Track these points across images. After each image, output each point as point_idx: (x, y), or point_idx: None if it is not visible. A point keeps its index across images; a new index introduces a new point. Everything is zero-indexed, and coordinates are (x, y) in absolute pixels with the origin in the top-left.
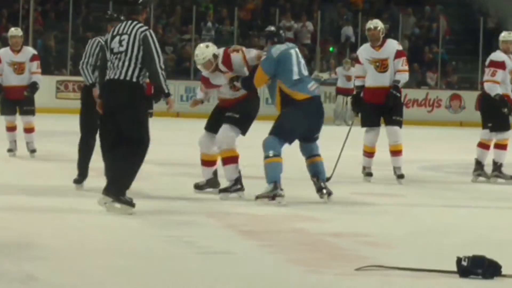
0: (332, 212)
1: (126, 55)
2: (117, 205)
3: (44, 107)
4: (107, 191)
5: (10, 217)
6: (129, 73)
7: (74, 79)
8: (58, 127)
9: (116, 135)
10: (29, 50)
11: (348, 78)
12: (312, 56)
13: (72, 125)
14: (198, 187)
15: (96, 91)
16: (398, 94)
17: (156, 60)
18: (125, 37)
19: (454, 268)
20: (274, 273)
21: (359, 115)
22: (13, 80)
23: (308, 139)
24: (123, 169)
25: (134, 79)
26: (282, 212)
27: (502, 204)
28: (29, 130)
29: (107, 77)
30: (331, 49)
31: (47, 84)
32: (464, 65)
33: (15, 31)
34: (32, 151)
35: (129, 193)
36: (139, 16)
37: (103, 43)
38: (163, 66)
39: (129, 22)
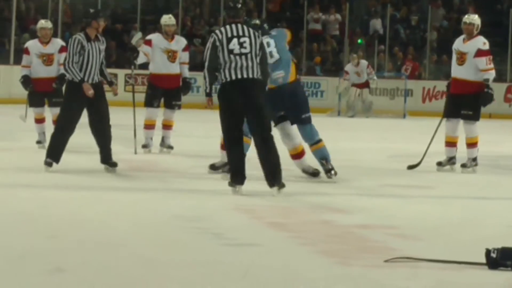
0: (360, 204)
1: (251, 56)
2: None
3: None
4: (277, 181)
5: (38, 210)
6: (257, 72)
7: None
8: (86, 118)
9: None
10: (58, 42)
11: (358, 74)
12: (340, 48)
13: None
14: (214, 168)
15: (87, 86)
16: (490, 91)
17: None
18: (245, 39)
19: (483, 260)
20: (303, 264)
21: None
22: (42, 72)
23: (298, 121)
24: (278, 158)
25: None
26: (309, 204)
27: None
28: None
29: (231, 77)
30: (359, 41)
31: None
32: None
33: (45, 23)
34: None
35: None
36: (241, 18)
37: (83, 41)
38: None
39: (240, 25)
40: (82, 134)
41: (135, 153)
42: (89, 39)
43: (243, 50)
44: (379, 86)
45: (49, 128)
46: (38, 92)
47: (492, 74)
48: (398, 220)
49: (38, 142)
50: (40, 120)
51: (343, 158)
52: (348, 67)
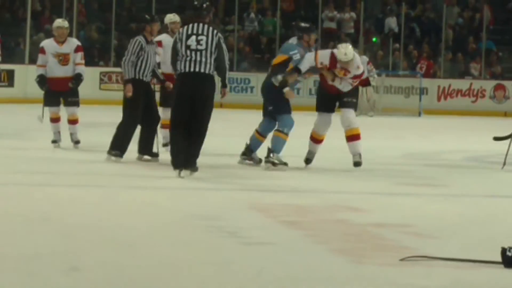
0: (375, 203)
1: (206, 52)
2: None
3: (87, 98)
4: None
5: (53, 209)
6: (210, 67)
7: (118, 70)
8: (101, 119)
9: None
10: (74, 41)
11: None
12: (355, 46)
13: (115, 116)
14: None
15: (129, 87)
16: None
17: (226, 58)
18: (203, 37)
19: (499, 259)
20: (318, 263)
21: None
22: (58, 71)
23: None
24: (199, 147)
25: (212, 73)
26: (324, 203)
27: None
28: (73, 121)
29: (184, 69)
30: (374, 39)
31: (90, 76)
32: (509, 55)
33: (62, 22)
34: (76, 142)
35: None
36: (206, 19)
37: (143, 43)
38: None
39: (201, 24)
40: (98, 133)
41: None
42: (147, 42)
43: (199, 47)
44: (394, 84)
45: (64, 127)
46: (54, 92)
47: None
48: (414, 219)
49: (54, 141)
50: (55, 120)
51: None
52: None
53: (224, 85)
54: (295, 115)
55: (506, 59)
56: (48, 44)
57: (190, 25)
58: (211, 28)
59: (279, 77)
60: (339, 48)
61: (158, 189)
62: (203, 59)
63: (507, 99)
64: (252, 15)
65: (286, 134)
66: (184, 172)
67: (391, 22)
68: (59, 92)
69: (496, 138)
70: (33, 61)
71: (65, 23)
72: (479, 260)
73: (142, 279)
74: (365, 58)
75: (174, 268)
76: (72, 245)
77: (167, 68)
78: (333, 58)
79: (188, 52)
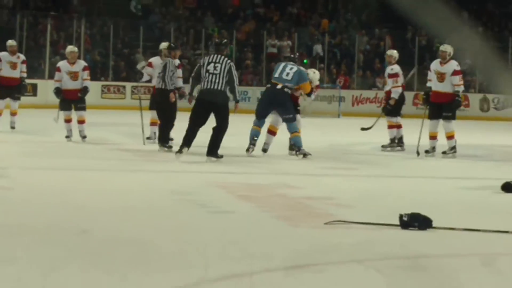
0: (306, 182)
1: (219, 76)
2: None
3: (92, 104)
4: (211, 154)
5: (68, 186)
6: (222, 86)
7: (114, 83)
8: (103, 120)
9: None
10: (82, 62)
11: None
12: None
13: (112, 118)
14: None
15: (172, 95)
16: (461, 100)
17: (235, 80)
18: (218, 65)
19: (397, 222)
20: (265, 226)
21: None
22: (70, 85)
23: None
24: (219, 141)
25: (223, 89)
26: (268, 181)
27: (433, 175)
28: (81, 121)
29: (204, 87)
30: (305, 61)
31: (94, 88)
32: (404, 72)
33: (73, 48)
34: (84, 137)
35: (157, 167)
36: (223, 52)
37: (170, 62)
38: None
39: (218, 55)
40: (100, 131)
41: (144, 144)
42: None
43: (215, 71)
44: (320, 94)
45: (74, 126)
46: (67, 100)
47: (462, 88)
48: (336, 193)
49: (67, 136)
50: (68, 120)
51: None
52: None
53: (236, 101)
54: (249, 118)
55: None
56: (62, 64)
57: (211, 55)
58: (225, 59)
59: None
60: (311, 72)
61: (146, 172)
62: (217, 80)
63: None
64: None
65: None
66: (206, 158)
67: (318, 48)
68: (71, 100)
69: (363, 129)
70: (51, 77)
71: (75, 49)
72: (383, 223)
73: (135, 238)
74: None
75: (158, 230)
76: (82, 213)
77: (155, 82)
78: None
79: (207, 74)
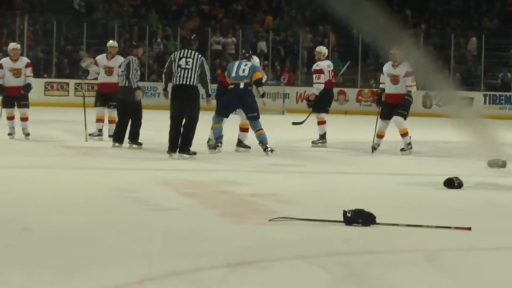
0: (250, 178)
1: (191, 70)
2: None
3: (35, 101)
4: (183, 150)
5: (10, 183)
6: (194, 80)
7: (58, 80)
8: (45, 117)
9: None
10: (24, 59)
11: None
12: None
13: (56, 115)
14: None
15: (138, 93)
16: (411, 100)
17: (207, 74)
18: (190, 60)
19: (341, 218)
20: (209, 223)
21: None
22: (12, 82)
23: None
24: (190, 137)
25: (195, 84)
26: (213, 178)
27: (377, 171)
28: (24, 119)
29: (177, 82)
30: None
31: (37, 85)
32: (348, 70)
33: (15, 45)
34: (27, 134)
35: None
36: (193, 47)
37: (133, 60)
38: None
39: (189, 50)
40: (43, 128)
41: (86, 140)
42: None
43: (187, 66)
44: (265, 91)
45: (17, 123)
46: (9, 97)
47: (415, 88)
48: (279, 189)
49: (9, 134)
50: (11, 118)
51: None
52: None
53: (207, 95)
54: (210, 115)
55: (345, 73)
56: (5, 61)
57: (182, 50)
58: (197, 53)
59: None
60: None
61: (89, 169)
62: (189, 75)
63: (347, 101)
64: (159, 40)
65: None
66: (177, 155)
67: (262, 45)
68: (14, 97)
69: (294, 123)
70: None
71: (18, 46)
72: (327, 219)
73: (78, 234)
74: None
75: (100, 227)
76: (23, 211)
77: (101, 78)
78: None
79: (179, 69)
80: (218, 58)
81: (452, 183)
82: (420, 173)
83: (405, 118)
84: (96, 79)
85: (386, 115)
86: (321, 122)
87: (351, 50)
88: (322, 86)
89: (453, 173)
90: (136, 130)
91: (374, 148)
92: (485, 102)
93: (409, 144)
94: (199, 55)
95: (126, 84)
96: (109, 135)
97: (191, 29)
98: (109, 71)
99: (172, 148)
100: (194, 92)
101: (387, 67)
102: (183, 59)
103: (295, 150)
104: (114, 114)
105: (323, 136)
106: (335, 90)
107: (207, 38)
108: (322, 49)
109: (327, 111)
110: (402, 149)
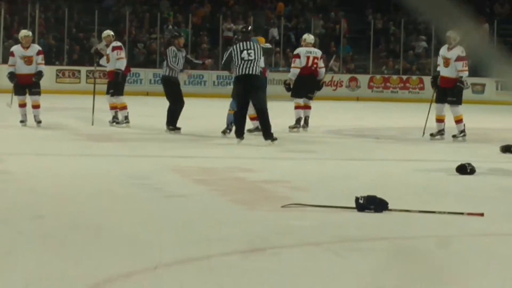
0: (263, 165)
1: (254, 61)
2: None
3: (47, 89)
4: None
5: (23, 171)
6: (256, 70)
7: (69, 68)
8: (57, 104)
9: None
10: (36, 47)
11: None
12: None
13: (67, 102)
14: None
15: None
16: (462, 85)
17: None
18: (252, 51)
19: (353, 205)
20: (221, 210)
21: None
22: (24, 69)
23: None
24: (267, 122)
25: (258, 73)
26: (225, 165)
27: (389, 158)
28: (36, 106)
29: (242, 73)
30: None
31: (49, 72)
32: (359, 56)
33: (27, 32)
34: (38, 122)
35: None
36: (249, 39)
37: (176, 51)
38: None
39: (248, 42)
40: (55, 115)
41: (92, 124)
42: (178, 49)
43: (250, 58)
44: (276, 78)
45: (29, 111)
46: (21, 85)
47: (466, 73)
48: (291, 176)
49: (21, 121)
50: (22, 105)
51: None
52: None
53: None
54: (204, 102)
55: (357, 59)
56: (16, 49)
57: (242, 43)
58: (255, 44)
59: None
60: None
61: (101, 156)
62: (252, 65)
63: (358, 88)
64: (170, 26)
65: None
66: (265, 142)
67: (274, 32)
68: (25, 85)
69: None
70: (5, 61)
71: (30, 33)
72: (339, 206)
73: (90, 222)
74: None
75: (113, 214)
76: (37, 199)
77: (110, 66)
78: None
79: (243, 62)
80: (229, 45)
81: (464, 169)
82: (433, 159)
83: (459, 103)
84: (104, 66)
85: (440, 99)
86: (297, 107)
87: (363, 36)
88: (297, 71)
89: (466, 159)
90: (175, 116)
91: (432, 134)
92: (497, 89)
93: (463, 131)
94: (257, 45)
95: (166, 73)
96: (111, 121)
97: (203, 16)
98: (107, 57)
99: (239, 135)
100: (258, 81)
101: (442, 50)
102: (245, 52)
103: (306, 136)
104: (112, 100)
105: (297, 121)
106: (346, 76)
107: (218, 25)
108: (307, 37)
109: (309, 98)
110: (454, 136)
